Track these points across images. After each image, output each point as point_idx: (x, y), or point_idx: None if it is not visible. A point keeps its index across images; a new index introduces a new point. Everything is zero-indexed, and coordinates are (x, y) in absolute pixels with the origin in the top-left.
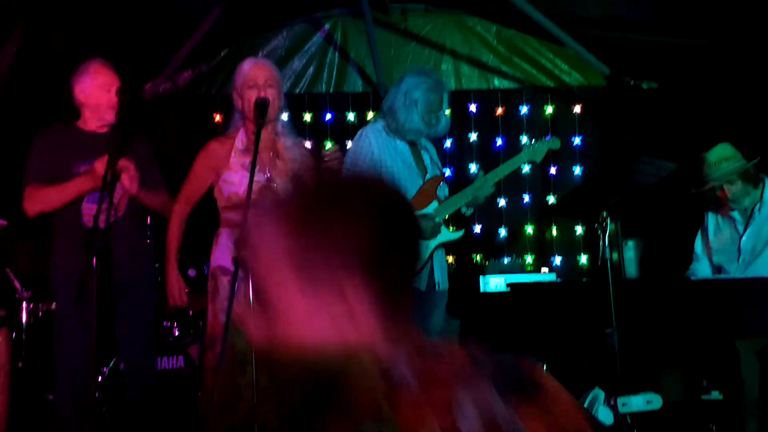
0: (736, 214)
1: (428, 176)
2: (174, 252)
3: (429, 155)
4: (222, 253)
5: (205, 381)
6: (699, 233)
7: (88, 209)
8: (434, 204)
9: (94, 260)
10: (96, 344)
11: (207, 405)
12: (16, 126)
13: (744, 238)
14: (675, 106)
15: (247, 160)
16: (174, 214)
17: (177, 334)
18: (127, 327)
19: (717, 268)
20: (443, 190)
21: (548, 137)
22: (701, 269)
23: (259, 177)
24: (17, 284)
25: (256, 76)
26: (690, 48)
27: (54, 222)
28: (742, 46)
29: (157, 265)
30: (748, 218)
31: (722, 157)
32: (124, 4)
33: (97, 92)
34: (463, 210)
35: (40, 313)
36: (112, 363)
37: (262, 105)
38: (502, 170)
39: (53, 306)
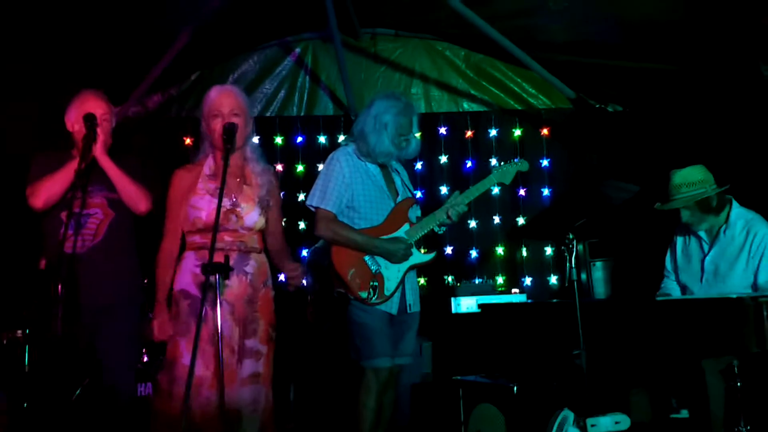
0: (702, 234)
1: (399, 199)
2: (164, 292)
3: (400, 178)
4: (184, 277)
5: (155, 404)
6: (669, 250)
7: (70, 236)
8: (406, 226)
9: (60, 287)
10: (64, 370)
11: (159, 428)
12: None
13: (707, 258)
14: (640, 129)
15: (213, 185)
16: (162, 251)
17: (146, 360)
18: (107, 352)
19: (682, 287)
20: (415, 212)
21: (516, 159)
22: (674, 286)
23: (224, 202)
24: None
25: (221, 104)
26: (655, 73)
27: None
28: (705, 72)
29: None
30: (713, 239)
31: (685, 181)
32: (95, 26)
33: (79, 120)
34: (436, 229)
35: (5, 341)
36: (79, 390)
37: (229, 130)
38: (472, 192)
39: (18, 334)
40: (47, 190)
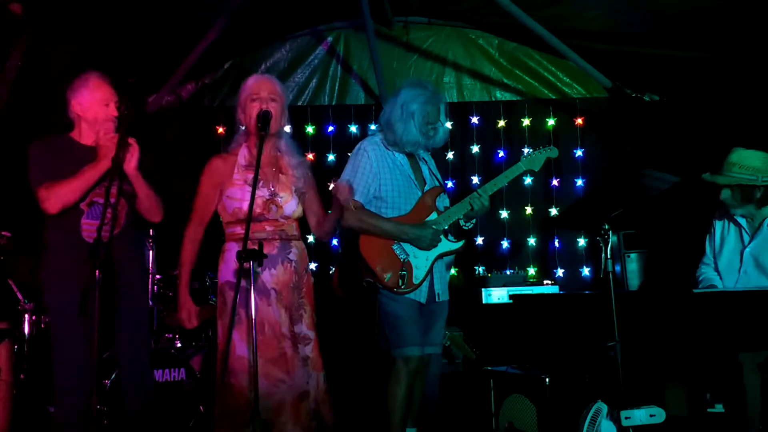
0: (743, 222)
1: (427, 188)
2: (187, 275)
3: (428, 167)
4: (229, 268)
5: (219, 400)
6: (708, 237)
7: (88, 225)
8: (434, 215)
9: (98, 273)
10: (97, 356)
11: (225, 420)
12: (18, 140)
13: (748, 249)
14: (676, 119)
15: (250, 175)
16: (187, 237)
17: (179, 345)
18: (125, 337)
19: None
20: (443, 201)
21: (546, 147)
22: (714, 276)
23: (263, 192)
24: (20, 296)
25: (259, 88)
26: (691, 61)
27: (49, 238)
28: (742, 59)
29: (159, 277)
30: (755, 230)
31: (741, 162)
32: (129, 17)
33: (95, 107)
34: (462, 223)
35: (42, 325)
36: (114, 375)
37: (264, 117)
38: (501, 180)
39: None
40: (62, 199)
